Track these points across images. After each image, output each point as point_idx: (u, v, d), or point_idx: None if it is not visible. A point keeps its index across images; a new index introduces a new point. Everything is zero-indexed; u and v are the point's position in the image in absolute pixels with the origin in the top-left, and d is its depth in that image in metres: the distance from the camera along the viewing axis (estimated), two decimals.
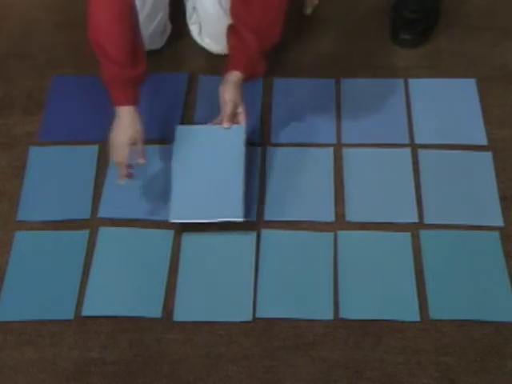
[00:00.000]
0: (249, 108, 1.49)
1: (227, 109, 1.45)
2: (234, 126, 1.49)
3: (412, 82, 1.72)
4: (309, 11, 1.87)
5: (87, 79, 1.74)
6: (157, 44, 1.78)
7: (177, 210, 1.45)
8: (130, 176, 1.42)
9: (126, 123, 1.39)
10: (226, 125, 1.47)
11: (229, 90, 1.44)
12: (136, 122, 1.40)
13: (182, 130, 1.53)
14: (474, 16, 1.86)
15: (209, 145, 1.50)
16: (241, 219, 1.44)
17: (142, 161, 1.41)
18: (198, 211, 1.45)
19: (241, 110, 1.48)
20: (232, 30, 1.49)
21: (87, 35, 1.36)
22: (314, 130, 1.64)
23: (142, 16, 1.66)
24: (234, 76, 1.45)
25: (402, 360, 1.31)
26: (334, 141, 1.62)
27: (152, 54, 1.79)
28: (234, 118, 1.48)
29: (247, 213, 1.48)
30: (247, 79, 1.47)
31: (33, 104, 1.72)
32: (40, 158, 1.61)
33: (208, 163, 1.49)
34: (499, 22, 1.85)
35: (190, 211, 1.45)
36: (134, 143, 1.39)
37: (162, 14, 1.74)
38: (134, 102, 1.40)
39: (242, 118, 1.49)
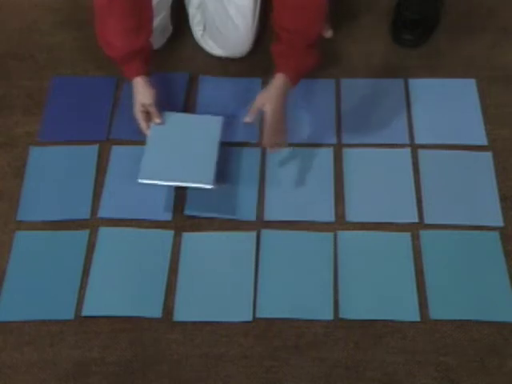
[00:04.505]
0: (248, 108, 1.49)
1: (252, 105, 1.44)
2: (215, 117, 1.56)
3: (412, 82, 1.72)
4: (329, 34, 1.81)
5: (87, 79, 1.75)
6: (157, 44, 1.77)
7: (146, 171, 1.47)
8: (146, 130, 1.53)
9: (135, 92, 1.51)
10: (246, 118, 1.45)
11: (263, 92, 1.44)
12: (144, 91, 1.49)
13: (167, 115, 1.56)
14: (474, 16, 1.86)
15: (188, 125, 1.55)
16: (210, 186, 1.45)
17: (157, 120, 1.52)
18: (168, 174, 1.47)
19: (280, 126, 1.45)
20: (274, 38, 1.46)
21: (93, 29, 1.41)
22: (314, 130, 1.64)
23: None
24: (276, 79, 1.43)
25: (402, 360, 1.31)
26: (334, 141, 1.62)
27: (153, 54, 1.79)
28: (275, 135, 1.46)
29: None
30: (298, 77, 1.45)
31: (33, 104, 1.71)
32: (40, 157, 1.61)
33: (184, 139, 1.53)
34: (499, 22, 1.85)
35: (159, 173, 1.47)
36: (145, 109, 1.51)
37: (164, 13, 1.74)
38: (140, 73, 1.50)
39: (279, 136, 1.46)
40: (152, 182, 1.47)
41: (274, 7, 1.42)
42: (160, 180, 1.47)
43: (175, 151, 1.50)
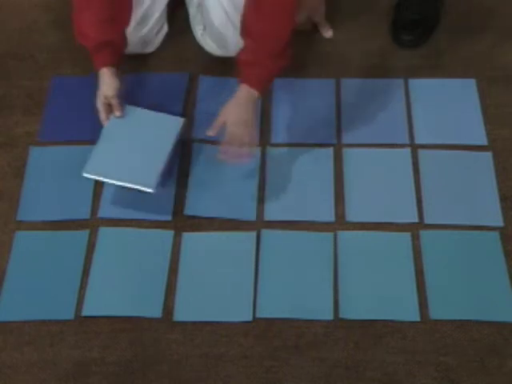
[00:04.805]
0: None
1: (216, 120, 1.44)
2: (177, 118, 1.57)
3: (412, 81, 1.72)
4: (329, 34, 1.82)
5: (87, 79, 1.74)
6: (152, 45, 1.77)
7: (92, 166, 1.47)
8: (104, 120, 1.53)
9: (101, 83, 1.51)
10: (208, 132, 1.45)
11: (226, 104, 1.44)
12: (110, 82, 1.50)
13: (129, 109, 1.57)
14: (474, 16, 1.86)
15: (147, 123, 1.55)
16: (151, 190, 1.44)
17: (117, 113, 1.53)
18: (112, 172, 1.47)
19: (245, 138, 1.42)
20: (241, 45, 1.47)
21: None
22: (314, 130, 1.64)
23: (137, 15, 1.67)
24: (239, 91, 1.43)
25: (402, 360, 1.31)
26: (334, 141, 1.62)
27: (152, 54, 1.80)
28: (240, 146, 1.44)
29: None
30: (261, 85, 1.44)
31: (33, 104, 1.71)
32: (40, 157, 1.61)
33: (138, 137, 1.53)
34: (499, 22, 1.85)
35: (104, 170, 1.47)
36: (107, 100, 1.51)
37: (158, 15, 1.73)
38: (108, 63, 1.50)
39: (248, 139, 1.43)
40: (96, 178, 1.48)
41: (244, 10, 1.43)
42: (104, 177, 1.47)
43: (126, 149, 1.50)
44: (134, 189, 1.46)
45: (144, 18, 1.70)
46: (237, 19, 1.67)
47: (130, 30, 1.63)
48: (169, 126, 1.56)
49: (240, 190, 1.54)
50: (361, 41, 1.82)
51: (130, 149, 1.50)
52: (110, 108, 1.53)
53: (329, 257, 1.44)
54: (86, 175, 1.46)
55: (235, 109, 1.43)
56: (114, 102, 1.52)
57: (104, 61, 1.51)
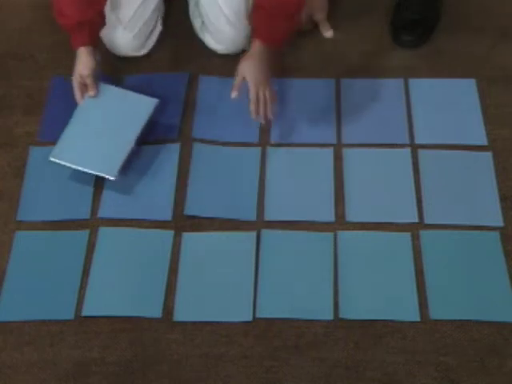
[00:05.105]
0: (248, 108, 1.49)
1: (236, 79, 1.48)
2: (149, 98, 1.60)
3: (412, 81, 1.72)
4: (329, 34, 1.83)
5: None
6: (145, 48, 1.77)
7: (59, 151, 1.52)
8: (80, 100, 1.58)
9: (77, 62, 1.55)
10: (232, 94, 1.49)
11: (241, 61, 1.49)
12: (86, 61, 1.53)
13: (104, 88, 1.60)
14: (474, 16, 1.86)
15: (119, 104, 1.59)
16: (113, 178, 1.49)
17: (91, 93, 1.57)
18: (78, 158, 1.51)
19: (262, 90, 1.47)
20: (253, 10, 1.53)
21: None
22: (314, 130, 1.64)
23: (125, 18, 1.68)
24: (253, 46, 1.48)
25: (402, 360, 1.31)
26: (334, 141, 1.62)
27: (152, 54, 1.80)
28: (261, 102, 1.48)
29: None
30: (271, 47, 1.49)
31: (33, 104, 1.72)
32: (40, 158, 1.61)
33: (109, 119, 1.57)
34: (499, 22, 1.85)
35: (70, 156, 1.52)
36: (83, 80, 1.55)
37: (147, 17, 1.73)
38: (86, 43, 1.54)
39: (264, 99, 1.48)
40: (62, 163, 1.51)
41: None
42: (69, 163, 1.52)
43: (94, 134, 1.55)
44: (95, 175, 1.52)
45: (133, 21, 1.70)
46: (230, 14, 1.67)
47: (119, 34, 1.67)
48: (141, 108, 1.59)
49: (240, 190, 1.54)
50: (361, 41, 1.82)
51: (98, 133, 1.55)
52: (85, 88, 1.57)
53: (329, 257, 1.44)
54: (52, 159, 1.51)
55: (252, 64, 1.47)
56: (89, 81, 1.55)
57: (82, 40, 1.54)
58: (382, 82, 1.72)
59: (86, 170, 1.51)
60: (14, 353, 1.35)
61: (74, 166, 1.51)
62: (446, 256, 1.44)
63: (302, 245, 1.46)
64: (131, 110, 1.58)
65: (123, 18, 1.68)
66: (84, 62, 1.53)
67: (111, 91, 1.60)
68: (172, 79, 1.75)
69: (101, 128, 1.55)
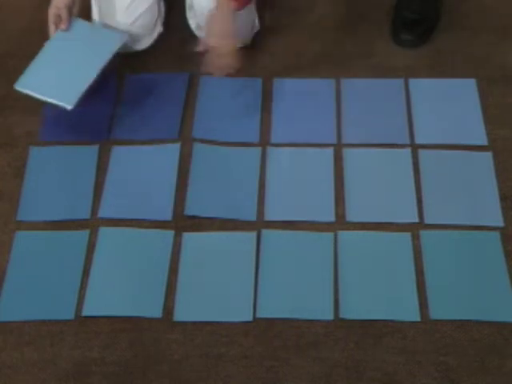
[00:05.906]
0: (248, 108, 1.49)
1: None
2: (121, 33, 1.65)
3: (412, 81, 1.72)
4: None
5: None
6: (144, 41, 1.76)
7: (24, 80, 1.59)
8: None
9: None
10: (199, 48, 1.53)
11: (208, 20, 1.53)
12: None
13: (76, 22, 1.65)
14: (474, 16, 1.86)
15: (89, 38, 1.64)
16: (69, 107, 1.54)
17: (62, 26, 1.62)
18: (40, 88, 1.57)
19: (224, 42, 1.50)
20: None
21: None
22: (313, 130, 1.64)
23: (122, 9, 1.69)
24: (218, 3, 1.50)
25: (402, 360, 1.31)
26: (334, 141, 1.62)
27: (152, 54, 1.80)
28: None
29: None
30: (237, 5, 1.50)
31: (33, 104, 1.71)
32: (40, 157, 1.61)
33: (76, 52, 1.62)
34: (499, 22, 1.85)
35: (35, 85, 1.57)
36: (57, 12, 1.60)
37: (141, 11, 1.73)
38: None
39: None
40: (26, 92, 1.57)
41: None
42: (32, 91, 1.57)
43: (59, 65, 1.60)
44: (54, 104, 1.55)
45: (131, 10, 1.70)
46: None
47: (114, 24, 1.67)
48: (109, 42, 1.63)
49: (240, 190, 1.54)
50: (361, 41, 1.82)
51: (63, 65, 1.60)
52: (59, 21, 1.61)
53: (329, 257, 1.44)
54: (17, 88, 1.58)
55: (214, 21, 1.51)
56: (64, 13, 1.60)
57: None
58: (382, 82, 1.72)
59: (45, 98, 1.56)
60: (14, 353, 1.35)
61: (35, 95, 1.56)
62: (446, 256, 1.43)
63: (302, 245, 1.46)
64: (99, 43, 1.63)
65: (119, 4, 1.69)
66: None
67: (83, 26, 1.66)
68: (172, 79, 1.75)
69: (67, 60, 1.61)
